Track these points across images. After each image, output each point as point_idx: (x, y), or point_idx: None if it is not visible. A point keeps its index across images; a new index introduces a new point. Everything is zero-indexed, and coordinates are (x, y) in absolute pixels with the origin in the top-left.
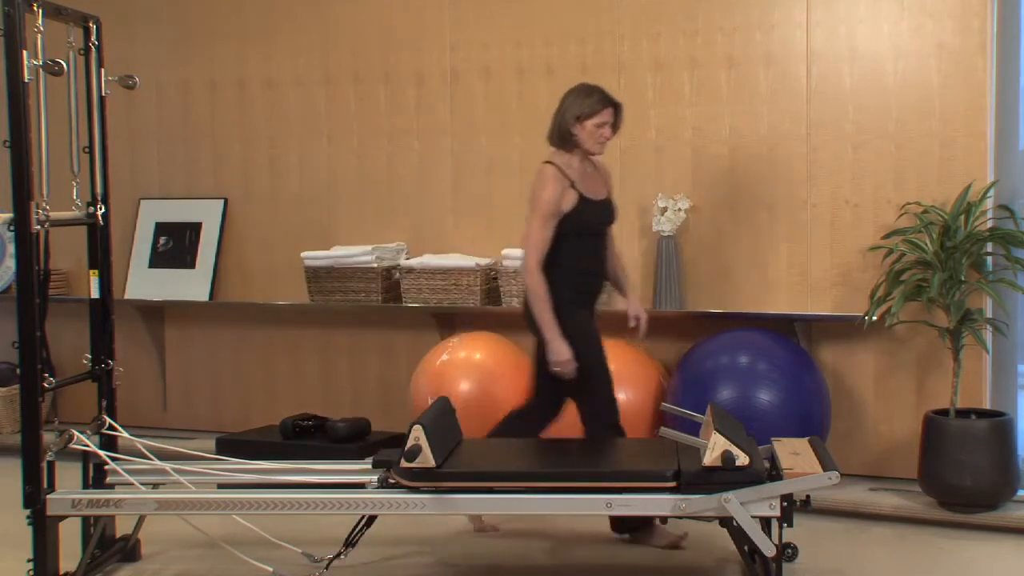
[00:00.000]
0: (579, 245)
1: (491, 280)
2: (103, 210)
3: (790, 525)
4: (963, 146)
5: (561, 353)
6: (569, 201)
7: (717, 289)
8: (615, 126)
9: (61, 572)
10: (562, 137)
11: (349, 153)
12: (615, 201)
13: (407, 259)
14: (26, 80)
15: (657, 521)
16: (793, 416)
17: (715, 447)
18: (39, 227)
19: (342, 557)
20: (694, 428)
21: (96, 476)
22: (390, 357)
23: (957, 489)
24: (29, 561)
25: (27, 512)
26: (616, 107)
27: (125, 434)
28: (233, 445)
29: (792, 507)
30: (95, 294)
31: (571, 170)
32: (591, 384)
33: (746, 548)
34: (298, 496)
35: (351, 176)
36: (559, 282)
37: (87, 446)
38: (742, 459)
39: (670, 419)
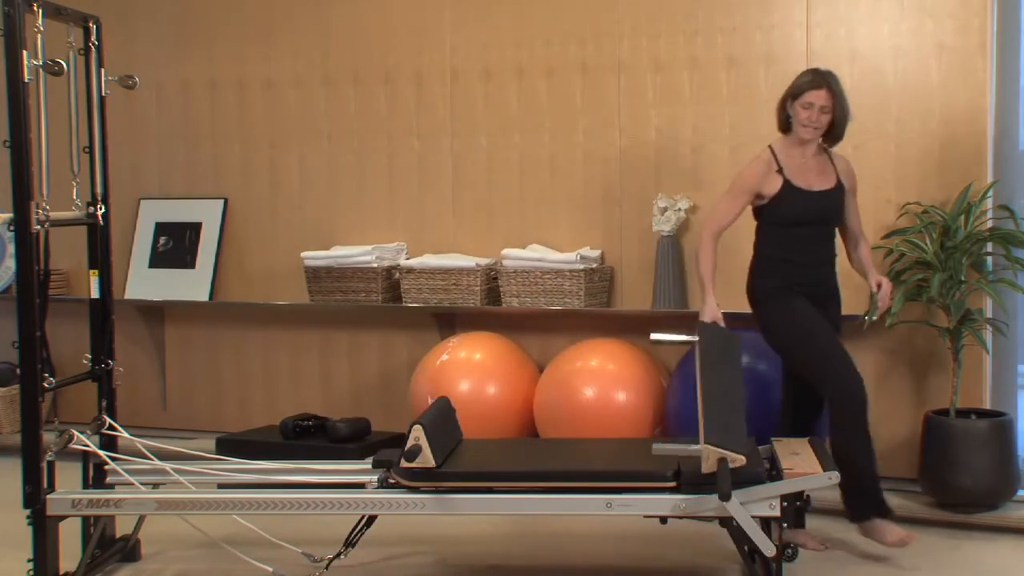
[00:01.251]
0: (786, 236)
1: (491, 280)
2: (103, 210)
3: (790, 525)
4: (963, 146)
5: (706, 314)
6: (772, 186)
7: (717, 289)
8: (831, 111)
9: (61, 572)
10: (780, 118)
11: (349, 153)
12: (847, 197)
13: (407, 259)
14: (26, 80)
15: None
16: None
17: (709, 458)
18: (39, 227)
19: (342, 557)
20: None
21: (96, 476)
22: (390, 357)
23: (957, 489)
24: (29, 561)
25: (27, 512)
26: (831, 91)
27: (125, 434)
28: (233, 445)
29: (794, 507)
30: (95, 294)
31: (786, 155)
32: (806, 367)
33: (746, 548)
34: (298, 496)
35: (351, 176)
36: (762, 270)
37: (87, 446)
38: (737, 462)
39: (667, 427)
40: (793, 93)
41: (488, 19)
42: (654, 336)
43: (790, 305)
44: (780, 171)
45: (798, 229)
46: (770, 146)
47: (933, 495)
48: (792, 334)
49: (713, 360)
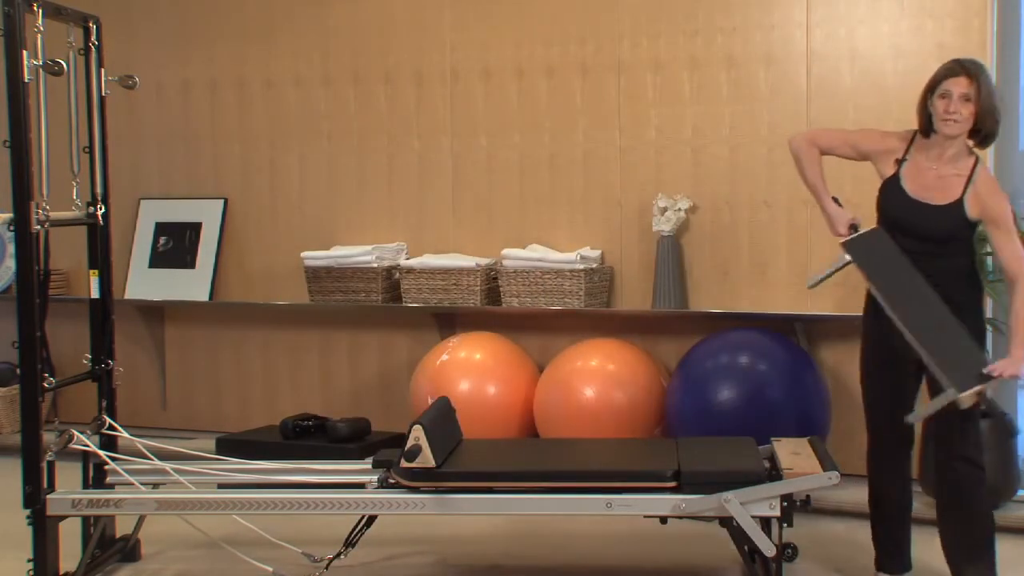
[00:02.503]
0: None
1: (491, 280)
2: (103, 210)
3: (790, 525)
4: None
5: (837, 224)
6: (885, 167)
7: (717, 289)
8: (975, 102)
9: (61, 572)
10: (921, 119)
11: (349, 153)
12: (987, 227)
13: (407, 259)
14: (26, 80)
15: None
16: (793, 416)
17: (968, 400)
18: (39, 227)
19: (342, 557)
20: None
21: (96, 476)
22: (390, 357)
23: None
24: (29, 561)
25: (27, 512)
26: (970, 77)
27: (125, 434)
28: (233, 445)
29: (792, 507)
30: (95, 294)
31: (918, 151)
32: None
33: (746, 548)
34: (298, 496)
35: (351, 176)
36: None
37: (87, 446)
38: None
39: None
40: (930, 86)
41: (488, 19)
42: (811, 282)
43: (869, 338)
44: (901, 160)
45: (902, 237)
46: (916, 131)
47: (933, 495)
48: (860, 369)
49: (886, 276)
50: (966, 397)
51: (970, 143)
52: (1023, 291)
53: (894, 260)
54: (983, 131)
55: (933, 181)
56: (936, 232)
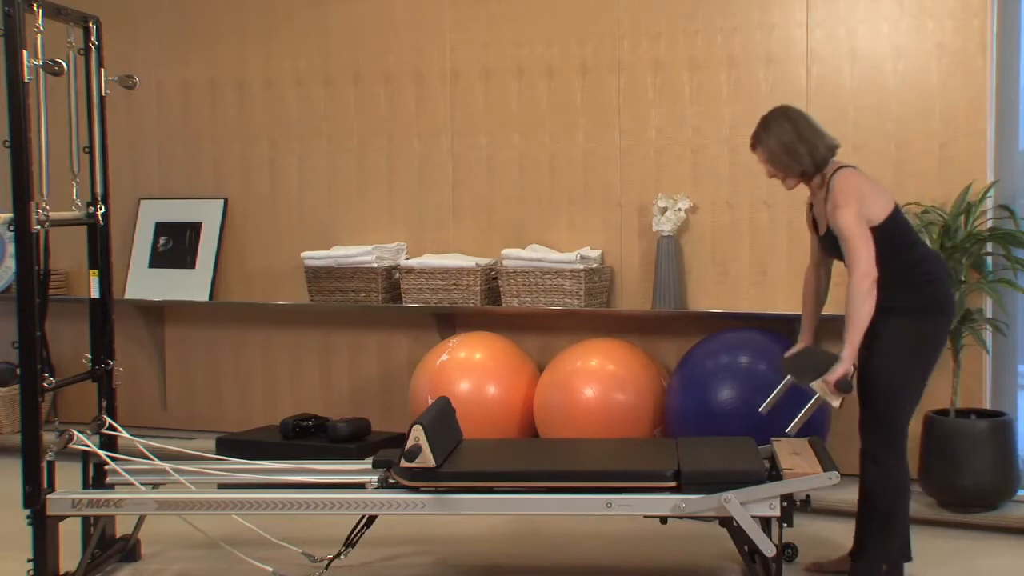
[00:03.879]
0: None
1: (491, 280)
2: (103, 210)
3: (790, 525)
4: (963, 146)
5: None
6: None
7: (717, 289)
8: (764, 162)
9: (61, 572)
10: None
11: (349, 153)
12: (833, 236)
13: (407, 259)
14: (26, 80)
15: None
16: (793, 416)
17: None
18: (39, 227)
19: (342, 557)
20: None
21: (96, 476)
22: (390, 357)
23: (957, 489)
24: (29, 561)
25: (27, 512)
26: (754, 147)
27: (125, 434)
28: (233, 445)
29: (792, 507)
30: (95, 294)
31: (817, 188)
32: None
33: (746, 548)
34: (298, 496)
35: (351, 176)
36: None
37: (87, 446)
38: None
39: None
40: None
41: (488, 19)
42: (762, 407)
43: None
44: (811, 203)
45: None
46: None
47: (933, 495)
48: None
49: (806, 374)
50: (818, 387)
51: (826, 170)
52: (851, 291)
53: (819, 363)
54: (797, 175)
55: (820, 210)
56: (837, 254)
